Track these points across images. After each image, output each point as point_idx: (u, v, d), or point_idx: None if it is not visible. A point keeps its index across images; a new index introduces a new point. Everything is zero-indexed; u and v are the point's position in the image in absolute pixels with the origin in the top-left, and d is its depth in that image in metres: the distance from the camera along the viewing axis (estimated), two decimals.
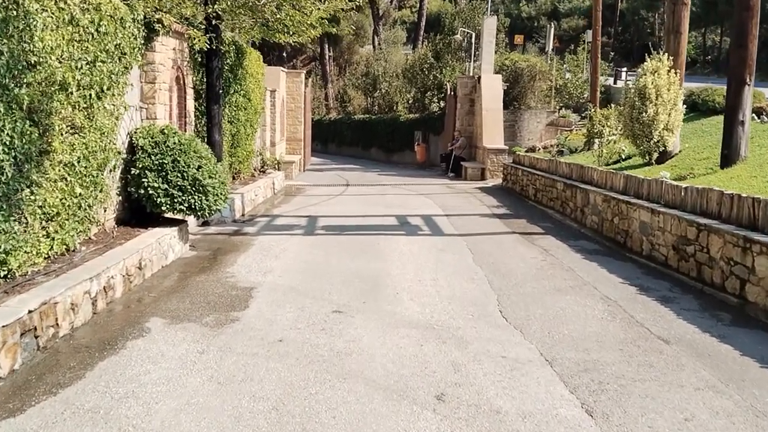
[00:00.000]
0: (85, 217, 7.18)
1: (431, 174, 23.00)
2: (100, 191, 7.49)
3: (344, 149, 34.83)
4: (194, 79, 11.22)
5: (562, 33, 60.43)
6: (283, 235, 10.62)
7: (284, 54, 47.78)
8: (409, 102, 32.75)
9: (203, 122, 11.85)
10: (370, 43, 47.01)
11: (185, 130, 10.75)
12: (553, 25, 31.88)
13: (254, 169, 17.00)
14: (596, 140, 14.31)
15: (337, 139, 35.91)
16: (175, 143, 8.56)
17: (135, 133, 8.68)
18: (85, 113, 7.02)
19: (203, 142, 11.64)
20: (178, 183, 8.38)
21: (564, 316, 6.28)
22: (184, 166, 8.44)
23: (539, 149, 18.47)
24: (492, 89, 21.37)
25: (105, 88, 7.49)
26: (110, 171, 7.87)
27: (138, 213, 8.76)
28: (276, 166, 18.45)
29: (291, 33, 12.39)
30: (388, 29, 49.60)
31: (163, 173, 8.38)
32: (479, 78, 21.87)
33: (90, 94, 7.05)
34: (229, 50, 12.92)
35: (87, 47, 6.92)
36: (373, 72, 36.67)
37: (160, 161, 8.40)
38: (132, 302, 6.53)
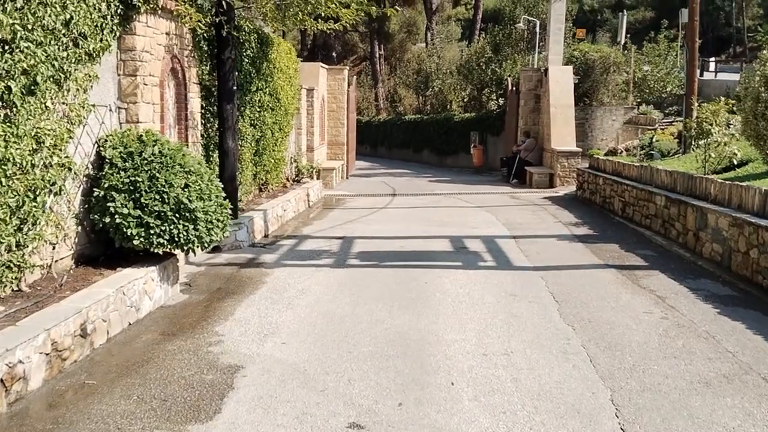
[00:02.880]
0: (8, 262, 5.06)
1: (490, 180, 20.42)
2: (35, 224, 5.36)
3: (394, 152, 32.52)
4: (200, 72, 9.08)
5: (628, 26, 56.65)
6: (306, 267, 8.36)
7: (333, 54, 45.99)
8: (464, 100, 30.15)
9: (216, 126, 9.72)
10: (423, 40, 44.58)
11: (186, 136, 8.61)
12: (625, 13, 28.71)
13: (286, 179, 14.86)
14: (700, 141, 11.52)
15: (387, 141, 33.62)
16: (153, 155, 6.38)
17: (105, 141, 6.55)
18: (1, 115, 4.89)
19: (214, 149, 9.54)
20: (156, 208, 6.20)
21: None
22: (164, 185, 6.26)
23: (621, 152, 15.73)
24: (561, 83, 18.64)
25: (44, 80, 5.36)
26: (56, 195, 5.74)
27: (111, 246, 6.64)
28: (312, 175, 16.27)
29: (319, 15, 10.14)
30: (441, 25, 47.06)
31: (136, 195, 6.21)
32: (546, 71, 19.19)
33: (10, 88, 4.92)
34: (249, 39, 10.77)
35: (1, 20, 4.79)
36: (425, 69, 34.23)
37: (133, 179, 6.23)
38: (51, 396, 4.35)
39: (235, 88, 9.60)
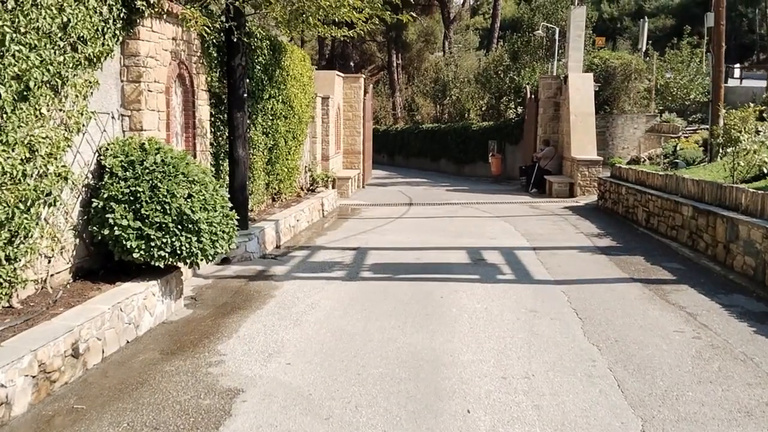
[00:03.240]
0: None
1: (508, 189, 20.00)
2: (27, 237, 5.10)
3: (412, 161, 32.20)
4: (209, 79, 8.84)
5: (648, 33, 55.92)
6: (318, 280, 8.03)
7: (351, 63, 45.90)
8: (482, 109, 29.77)
9: (226, 134, 9.47)
10: (441, 49, 44.29)
11: (193, 145, 8.36)
12: (646, 20, 28.19)
13: (301, 188, 14.59)
14: (728, 149, 11.04)
15: (405, 150, 33.31)
16: (155, 163, 6.11)
17: (106, 150, 6.30)
18: None
19: (224, 158, 9.29)
20: (157, 219, 5.92)
21: None
22: (166, 196, 5.98)
23: (644, 160, 15.26)
24: (581, 90, 18.22)
25: (38, 85, 5.12)
26: (51, 206, 5.48)
27: (112, 258, 6.36)
28: (327, 184, 15.99)
29: (333, 21, 9.89)
30: (459, 34, 46.77)
31: (137, 206, 5.93)
32: (565, 78, 18.78)
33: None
34: (261, 45, 10.54)
35: None
36: (442, 78, 33.92)
37: (133, 189, 5.96)
38: (36, 423, 4.05)
39: (245, 95, 9.36)
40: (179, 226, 5.99)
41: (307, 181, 15.24)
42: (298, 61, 12.89)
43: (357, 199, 17.29)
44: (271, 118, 11.49)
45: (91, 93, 6.15)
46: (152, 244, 5.90)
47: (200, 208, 6.13)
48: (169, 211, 5.95)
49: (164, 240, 5.92)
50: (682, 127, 19.40)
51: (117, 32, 6.48)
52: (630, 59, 21.78)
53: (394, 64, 44.18)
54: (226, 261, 9.09)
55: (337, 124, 18.66)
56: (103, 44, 6.24)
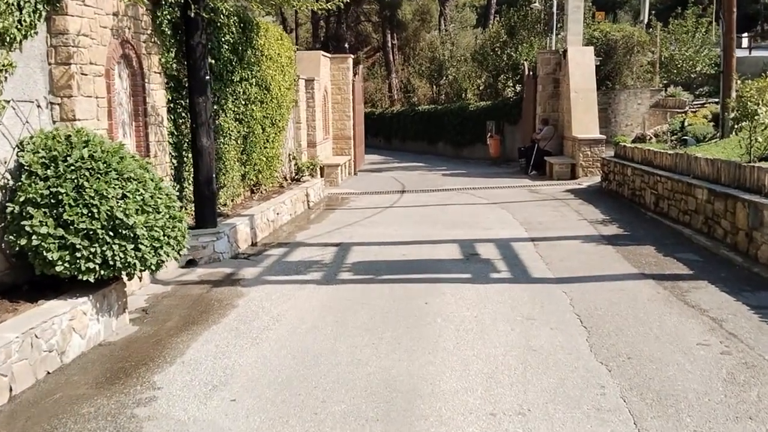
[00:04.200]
0: None
1: (507, 172, 19.03)
2: None
3: (408, 144, 31.19)
4: (164, 60, 7.88)
5: (650, 6, 54.57)
6: (290, 285, 7.15)
7: (346, 45, 44.71)
8: (480, 88, 28.72)
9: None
10: (437, 28, 43.04)
11: (145, 135, 7.43)
12: None
13: (284, 178, 13.67)
14: (743, 123, 10.06)
15: (401, 133, 32.29)
16: (81, 159, 5.19)
17: (27, 145, 5.38)
18: None
19: (188, 149, 8.36)
20: (83, 226, 5.01)
21: None
22: (93, 197, 5.07)
23: (649, 138, 14.26)
24: (582, 65, 17.17)
25: None
26: None
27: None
28: (314, 172, 15.05)
29: None
30: (456, 11, 45.44)
31: (59, 210, 5.03)
32: (565, 52, 17.72)
33: None
34: (228, 22, 9.56)
35: None
36: (438, 57, 32.79)
37: (54, 190, 5.05)
38: None
39: (208, 77, 8.41)
40: (111, 233, 5.08)
41: (291, 171, 14.31)
42: (274, 40, 11.91)
43: (347, 188, 16.36)
44: (243, 102, 10.54)
45: (5, 78, 5.22)
46: (78, 255, 5.00)
47: (137, 210, 5.22)
48: (98, 216, 5.04)
49: (93, 250, 5.02)
50: (689, 101, 18.36)
51: (39, 6, 5.54)
52: (632, 31, 20.67)
53: (389, 45, 43.05)
54: (192, 263, 8.22)
55: (324, 108, 17.68)
56: (20, 21, 5.31)
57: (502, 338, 5.18)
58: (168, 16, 7.79)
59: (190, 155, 8.66)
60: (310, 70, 16.48)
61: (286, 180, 13.75)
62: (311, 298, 6.56)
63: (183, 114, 8.59)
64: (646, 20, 24.04)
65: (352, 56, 19.41)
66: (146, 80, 7.40)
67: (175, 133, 8.46)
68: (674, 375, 4.34)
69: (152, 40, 7.57)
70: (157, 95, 7.72)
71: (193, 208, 8.66)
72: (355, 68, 19.99)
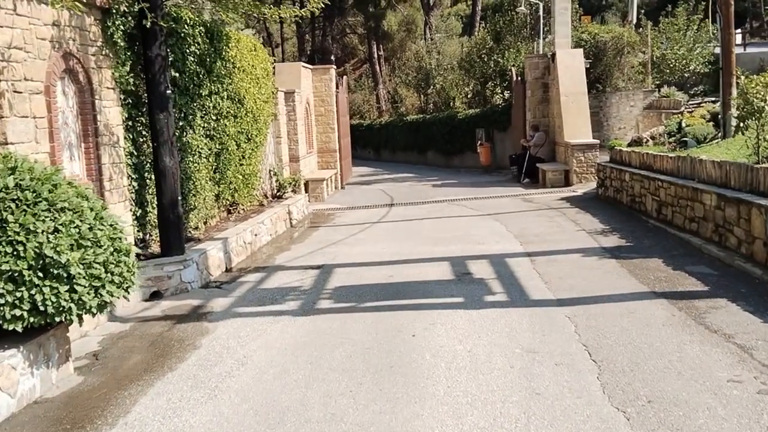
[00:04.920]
0: None
1: (499, 181, 18.40)
2: None
3: (398, 155, 30.55)
4: (117, 74, 7.17)
5: (637, 8, 54.35)
6: (263, 317, 6.43)
7: (333, 58, 44.19)
8: (468, 96, 28.14)
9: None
10: (423, 38, 42.60)
11: (96, 157, 6.71)
12: None
13: (264, 196, 12.96)
14: (748, 122, 9.43)
15: (390, 144, 31.66)
16: (4, 188, 4.47)
17: None
18: None
19: (149, 169, 7.66)
20: (7, 267, 4.28)
21: None
22: (18, 233, 4.35)
23: (646, 141, 13.65)
24: (571, 68, 16.59)
25: None
26: None
27: None
28: (297, 188, 14.34)
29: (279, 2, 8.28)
30: (441, 20, 44.99)
31: None
32: (553, 56, 17.14)
33: None
34: (193, 33, 8.89)
35: None
36: (425, 66, 32.25)
37: None
38: None
39: (169, 92, 7.70)
40: (40, 274, 4.36)
41: (273, 187, 13.60)
42: (246, 51, 11.23)
43: (333, 203, 15.66)
44: (215, 117, 9.85)
45: None
46: (2, 301, 4.26)
47: (71, 245, 4.49)
48: (24, 254, 4.31)
49: (19, 294, 4.29)
50: (684, 101, 17.78)
51: None
52: (621, 32, 20.15)
53: (375, 56, 42.61)
54: (157, 295, 7.50)
55: (307, 121, 17.01)
56: None
57: (500, 379, 4.47)
58: (121, 27, 7.10)
59: (153, 177, 7.95)
60: (290, 83, 15.83)
61: (267, 198, 13.04)
62: (284, 334, 5.84)
63: (144, 132, 7.88)
64: (635, 21, 23.52)
65: (335, 67, 18.77)
66: (97, 97, 6.69)
67: (135, 153, 7.74)
68: (706, 424, 3.64)
69: (103, 52, 6.87)
70: (111, 113, 7.01)
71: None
72: (338, 79, 19.36)
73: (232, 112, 10.51)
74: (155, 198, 7.93)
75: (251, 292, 7.61)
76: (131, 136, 7.68)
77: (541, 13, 21.18)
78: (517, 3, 22.81)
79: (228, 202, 10.81)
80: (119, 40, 7.10)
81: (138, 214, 7.81)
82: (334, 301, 6.92)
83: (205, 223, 9.82)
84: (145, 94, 7.75)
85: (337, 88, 18.60)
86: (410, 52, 39.09)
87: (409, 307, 6.41)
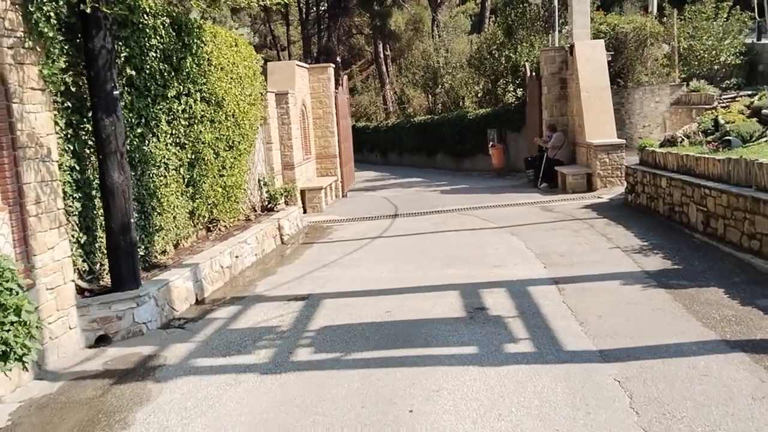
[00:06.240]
0: None
1: (513, 185, 16.94)
2: None
3: (406, 158, 29.14)
4: (47, 72, 5.80)
5: (646, 3, 52.63)
6: (224, 375, 5.07)
7: (338, 59, 42.91)
8: (478, 95, 26.67)
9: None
10: (431, 37, 41.22)
11: (14, 175, 5.35)
12: None
13: (252, 209, 11.61)
14: None
15: (397, 146, 30.25)
16: None
17: None
18: None
19: (98, 186, 6.34)
20: None
21: None
22: None
23: (681, 140, 12.18)
24: (592, 60, 15.12)
25: None
26: None
27: None
28: (290, 199, 12.98)
29: None
30: (450, 17, 43.54)
31: None
32: (571, 48, 15.67)
33: None
34: (154, 24, 7.55)
35: None
36: (432, 65, 30.81)
37: None
38: None
39: (117, 92, 6.37)
40: None
41: (263, 199, 12.25)
42: (226, 47, 9.88)
43: (331, 214, 14.28)
44: (185, 123, 8.50)
45: None
46: None
47: None
48: None
49: None
50: (716, 95, 16.25)
51: None
52: (643, 22, 18.61)
53: (382, 56, 41.29)
54: (103, 340, 6.18)
55: (303, 125, 15.66)
56: None
57: None
58: (49, 12, 5.75)
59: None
60: (284, 83, 14.51)
61: (256, 211, 11.69)
62: (243, 405, 4.46)
63: (91, 143, 6.54)
64: (655, 11, 21.99)
65: (333, 65, 17.38)
66: (15, 100, 5.35)
67: (78, 168, 6.40)
68: None
69: (25, 45, 5.53)
70: (39, 119, 5.66)
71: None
72: (338, 78, 18.00)
73: (208, 116, 9.16)
74: (101, 222, 6.59)
75: (219, 333, 6.25)
76: (72, 148, 6.34)
77: (556, 3, 19.69)
78: None
79: (206, 219, 9.46)
80: (48, 30, 5.74)
81: (83, 241, 6.47)
82: (314, 349, 5.53)
83: (176, 245, 8.48)
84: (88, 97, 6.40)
85: (336, 88, 17.23)
86: (417, 51, 37.73)
87: (408, 362, 5.02)
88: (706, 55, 18.31)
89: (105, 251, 6.67)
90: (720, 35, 18.47)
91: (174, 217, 8.28)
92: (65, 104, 6.23)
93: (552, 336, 5.30)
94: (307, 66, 16.78)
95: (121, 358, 5.70)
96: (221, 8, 8.71)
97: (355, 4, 43.99)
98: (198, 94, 8.80)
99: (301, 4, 45.70)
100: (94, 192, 6.59)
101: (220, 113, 9.59)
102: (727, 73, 18.51)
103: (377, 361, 5.11)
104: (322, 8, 46.97)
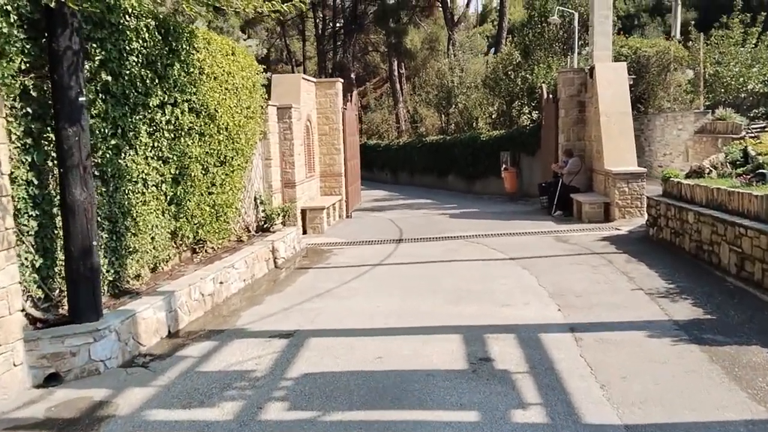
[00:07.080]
0: None
1: (526, 211, 16.12)
2: None
3: (416, 178, 28.43)
4: (2, 74, 5.12)
5: (668, 28, 51.90)
6: None
7: (353, 75, 42.48)
8: (492, 116, 25.93)
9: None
10: (447, 56, 40.70)
11: None
12: (678, 2, 24.20)
13: (246, 229, 10.87)
14: None
15: (408, 165, 29.56)
16: None
17: None
18: None
19: (59, 203, 5.63)
20: None
21: None
22: None
23: (708, 171, 11.37)
24: (614, 84, 14.34)
25: None
26: None
27: None
28: (287, 219, 12.24)
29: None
30: (466, 36, 43.00)
31: None
32: (591, 70, 14.92)
33: None
34: (137, 26, 6.88)
35: None
36: (447, 84, 30.16)
37: None
38: None
39: (82, 99, 5.66)
40: None
41: (259, 219, 11.51)
42: (221, 55, 9.20)
43: (333, 236, 13.52)
44: (170, 135, 7.80)
45: None
46: None
47: None
48: None
49: None
50: (744, 124, 15.41)
51: None
52: (667, 46, 17.86)
53: (396, 73, 40.81)
54: (53, 378, 5.42)
55: (307, 141, 14.96)
56: None
57: None
58: (6, 6, 5.08)
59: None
60: (288, 97, 13.82)
61: (249, 231, 10.95)
62: None
63: (53, 154, 5.84)
64: (678, 35, 21.22)
65: (341, 80, 16.70)
66: None
67: (36, 182, 5.69)
68: None
69: None
70: None
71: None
72: (346, 94, 17.32)
73: (197, 128, 8.46)
74: (60, 243, 5.86)
75: (184, 377, 5.47)
76: (30, 159, 5.63)
77: (576, 24, 19.00)
78: (549, 14, 20.64)
79: (190, 240, 8.72)
80: (4, 26, 5.06)
81: (38, 264, 5.74)
82: (288, 405, 4.73)
83: (153, 269, 7.74)
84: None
85: (344, 103, 16.55)
86: (432, 70, 37.13)
87: (394, 429, 4.20)
88: (732, 83, 17.50)
89: (64, 277, 5.93)
90: (748, 62, 17.65)
91: (152, 238, 7.54)
92: (24, 110, 5.53)
93: (568, 401, 4.47)
94: (314, 80, 16.12)
95: (68, 404, 4.94)
96: (224, 16, 8.04)
97: (371, 21, 43.70)
98: (186, 104, 8.10)
99: (318, 20, 45.46)
100: (55, 210, 5.87)
101: (212, 126, 8.89)
102: (754, 102, 17.68)
103: (358, 426, 4.30)
104: (339, 24, 46.72)
